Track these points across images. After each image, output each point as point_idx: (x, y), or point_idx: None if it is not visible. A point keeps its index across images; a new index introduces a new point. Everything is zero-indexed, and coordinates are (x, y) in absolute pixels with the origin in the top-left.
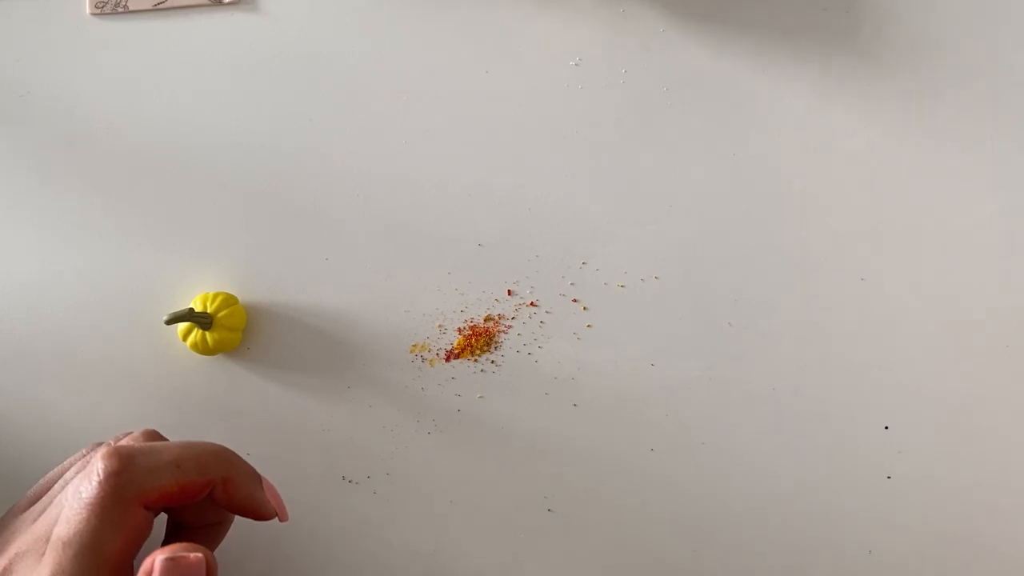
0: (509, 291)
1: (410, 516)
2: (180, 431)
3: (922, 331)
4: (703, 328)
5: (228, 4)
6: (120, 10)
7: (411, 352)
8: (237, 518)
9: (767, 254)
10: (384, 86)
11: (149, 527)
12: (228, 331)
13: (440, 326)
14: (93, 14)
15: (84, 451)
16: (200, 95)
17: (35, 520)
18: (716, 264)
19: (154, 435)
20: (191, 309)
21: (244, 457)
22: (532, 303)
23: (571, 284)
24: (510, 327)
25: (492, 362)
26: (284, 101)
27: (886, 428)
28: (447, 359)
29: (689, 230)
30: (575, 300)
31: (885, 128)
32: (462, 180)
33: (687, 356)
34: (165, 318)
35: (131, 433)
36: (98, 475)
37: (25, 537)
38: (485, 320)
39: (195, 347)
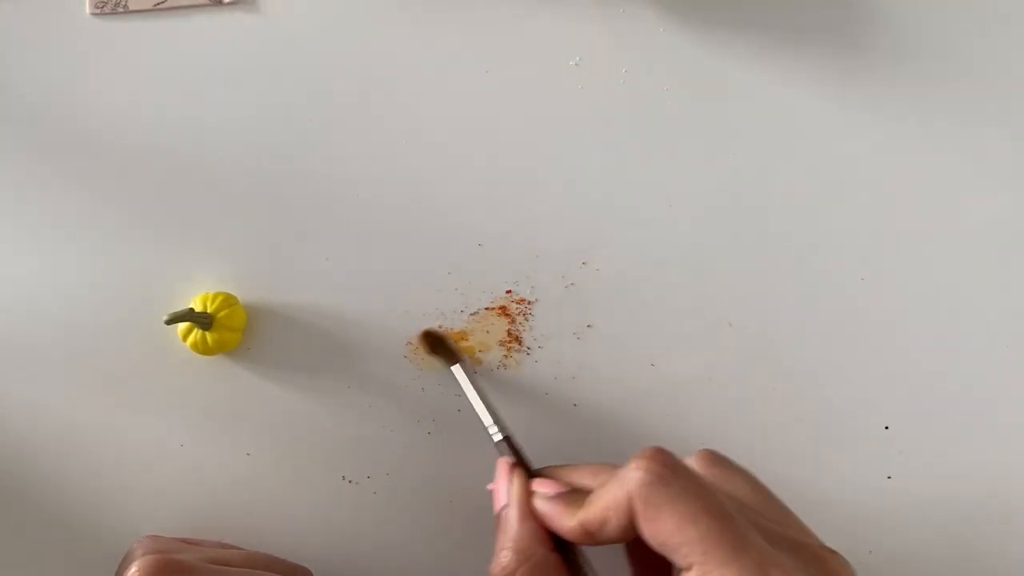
0: (509, 291)
1: (410, 516)
2: (180, 431)
3: (922, 331)
4: (703, 328)
5: (228, 4)
6: (120, 10)
7: (411, 352)
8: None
9: (767, 254)
10: (384, 86)
11: None
12: (228, 331)
13: (440, 326)
14: (93, 14)
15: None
16: (200, 95)
17: None
18: (716, 264)
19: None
20: (191, 309)
21: (244, 457)
22: (531, 302)
23: (571, 284)
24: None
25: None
26: (284, 101)
27: (886, 428)
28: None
29: (689, 230)
30: (575, 300)
31: (886, 128)
32: (462, 180)
33: (687, 356)
34: (165, 318)
35: (159, 537)
36: None
37: None
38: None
39: (195, 347)
